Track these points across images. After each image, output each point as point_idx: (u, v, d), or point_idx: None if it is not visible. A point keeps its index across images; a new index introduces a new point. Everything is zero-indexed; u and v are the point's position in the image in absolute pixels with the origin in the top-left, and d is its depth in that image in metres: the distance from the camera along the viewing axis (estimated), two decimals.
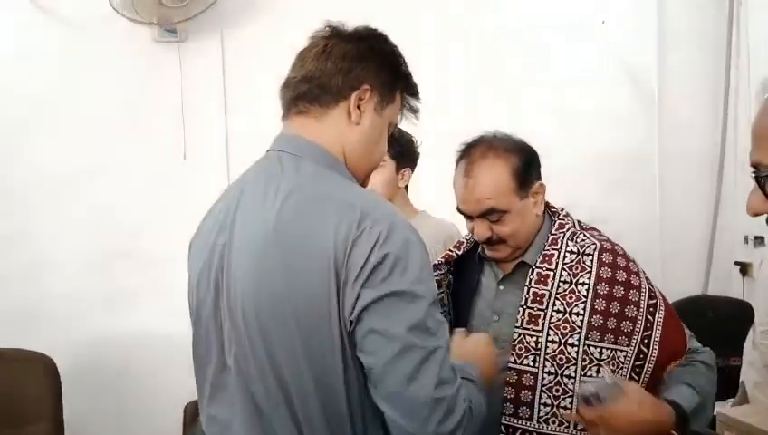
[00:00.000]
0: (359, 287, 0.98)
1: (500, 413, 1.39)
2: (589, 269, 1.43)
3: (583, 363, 1.38)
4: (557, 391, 1.37)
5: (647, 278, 1.49)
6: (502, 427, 1.39)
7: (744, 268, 3.32)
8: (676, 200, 3.35)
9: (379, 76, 1.13)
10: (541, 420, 1.37)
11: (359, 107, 1.12)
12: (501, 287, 1.51)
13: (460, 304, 1.56)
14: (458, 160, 1.48)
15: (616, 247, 1.49)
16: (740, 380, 2.50)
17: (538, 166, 1.50)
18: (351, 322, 0.99)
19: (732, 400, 2.56)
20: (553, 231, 1.48)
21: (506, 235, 1.44)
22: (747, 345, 2.48)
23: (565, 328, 1.39)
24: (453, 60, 3.01)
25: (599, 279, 1.42)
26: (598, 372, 1.37)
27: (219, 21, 2.76)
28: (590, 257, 1.44)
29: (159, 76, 2.75)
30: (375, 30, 1.19)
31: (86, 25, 2.67)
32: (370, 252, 0.98)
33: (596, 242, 1.47)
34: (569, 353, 1.38)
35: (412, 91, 1.21)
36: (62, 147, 2.66)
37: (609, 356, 1.38)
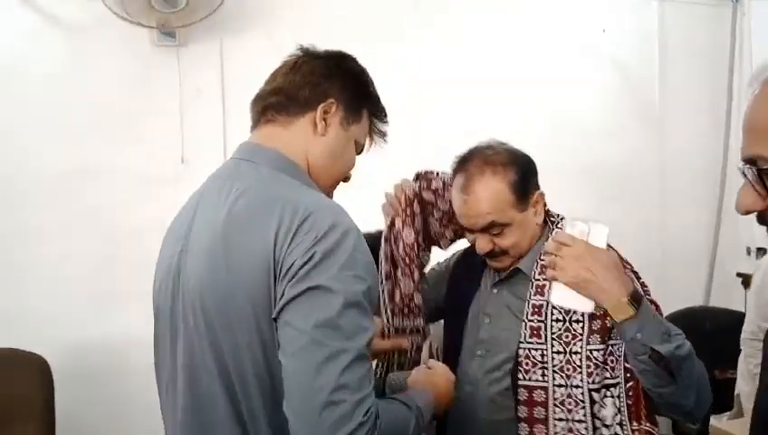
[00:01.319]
0: (284, 285, 0.99)
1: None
2: None
3: (588, 370, 1.36)
4: (569, 404, 1.36)
5: (641, 283, 1.47)
6: None
7: (747, 280, 3.27)
8: (678, 212, 3.33)
9: (344, 92, 1.19)
10: None
11: (324, 120, 1.16)
12: (494, 291, 1.52)
13: (461, 302, 1.57)
14: (454, 174, 1.49)
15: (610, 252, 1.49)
16: (735, 392, 2.48)
17: (535, 175, 1.50)
18: (275, 319, 1.00)
19: (728, 413, 2.53)
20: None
21: (508, 247, 1.46)
22: (741, 358, 2.46)
23: (567, 337, 1.38)
24: (448, 68, 3.01)
25: None
26: (601, 375, 1.35)
27: (219, 27, 2.78)
28: None
29: (158, 80, 2.77)
30: (345, 52, 1.25)
31: (84, 28, 2.69)
32: (302, 252, 0.99)
33: None
34: (574, 362, 1.36)
35: (379, 113, 1.26)
36: (60, 149, 2.68)
37: (607, 354, 1.36)
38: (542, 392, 1.37)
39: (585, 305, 1.29)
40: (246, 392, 1.03)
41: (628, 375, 1.34)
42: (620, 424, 1.34)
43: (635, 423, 1.34)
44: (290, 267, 0.99)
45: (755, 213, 0.85)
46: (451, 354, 1.54)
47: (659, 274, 3.25)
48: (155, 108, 2.77)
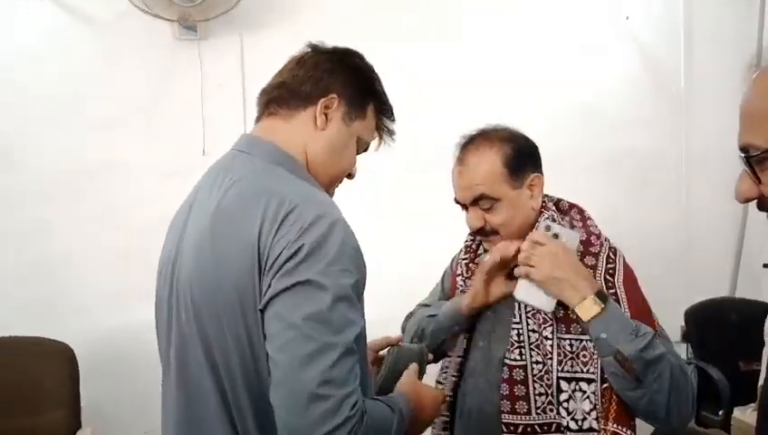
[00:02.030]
0: (270, 278, 0.99)
1: (499, 412, 1.39)
2: None
3: (558, 357, 1.37)
4: (548, 379, 1.36)
5: (609, 247, 1.47)
6: (503, 426, 1.39)
7: None
8: (704, 201, 3.27)
9: (347, 88, 1.19)
10: (539, 410, 1.37)
11: (325, 114, 1.16)
12: None
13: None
14: (456, 151, 1.50)
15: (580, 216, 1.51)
16: (759, 384, 2.44)
17: (535, 158, 1.50)
18: (261, 311, 1.00)
19: (753, 405, 2.49)
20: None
21: (498, 224, 1.44)
22: (765, 350, 2.42)
23: (538, 318, 1.39)
24: (469, 59, 3.00)
25: None
26: (572, 366, 1.36)
27: (239, 20, 2.81)
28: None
29: (180, 73, 2.81)
30: (352, 49, 1.25)
31: (106, 22, 2.74)
32: (287, 244, 0.99)
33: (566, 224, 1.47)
34: (545, 347, 1.37)
35: (385, 111, 1.25)
36: (82, 142, 2.74)
37: (579, 348, 1.36)
38: (521, 371, 1.38)
39: (547, 305, 1.35)
40: (233, 385, 1.04)
41: (605, 376, 1.34)
42: (597, 419, 1.35)
43: (602, 422, 1.34)
44: (276, 259, 0.99)
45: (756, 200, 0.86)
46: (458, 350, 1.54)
47: (685, 264, 3.22)
48: (176, 101, 2.81)
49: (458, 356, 1.52)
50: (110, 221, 2.76)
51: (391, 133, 1.27)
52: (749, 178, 0.86)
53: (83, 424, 2.45)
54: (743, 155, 0.85)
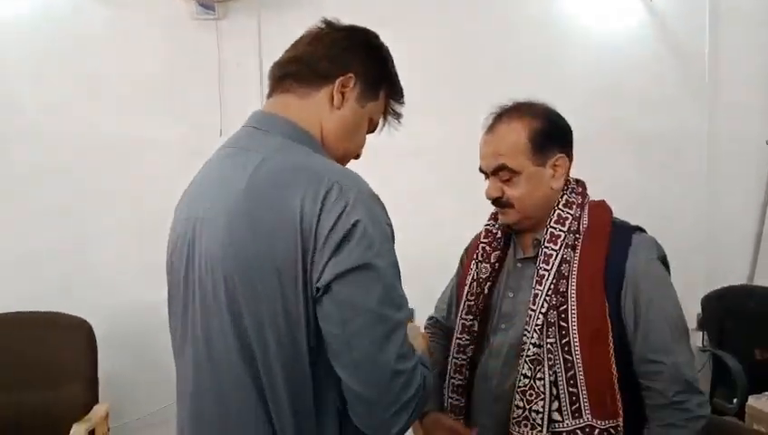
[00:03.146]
0: (327, 256, 0.99)
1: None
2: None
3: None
4: (531, 395, 1.36)
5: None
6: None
7: None
8: (726, 185, 3.21)
9: (364, 68, 1.17)
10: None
11: (342, 93, 1.15)
12: (519, 265, 1.51)
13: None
14: (488, 119, 1.50)
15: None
16: None
17: (564, 140, 1.48)
18: (318, 289, 1.01)
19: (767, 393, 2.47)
20: (560, 206, 1.45)
21: (514, 198, 1.43)
22: None
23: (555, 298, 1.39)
24: (491, 40, 2.97)
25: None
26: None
27: (258, 1, 2.80)
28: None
29: (198, 53, 2.81)
30: (368, 28, 1.23)
31: (127, 2, 2.74)
32: (337, 220, 0.99)
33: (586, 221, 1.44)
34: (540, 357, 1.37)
35: (396, 93, 1.24)
36: (99, 121, 2.77)
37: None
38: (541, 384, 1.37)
39: None
40: (267, 362, 1.03)
41: (569, 365, 1.34)
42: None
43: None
44: (327, 238, 0.99)
45: None
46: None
47: (704, 250, 3.17)
48: (194, 81, 2.83)
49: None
50: (127, 199, 2.80)
51: (399, 116, 1.25)
52: None
53: (100, 399, 2.50)
54: None
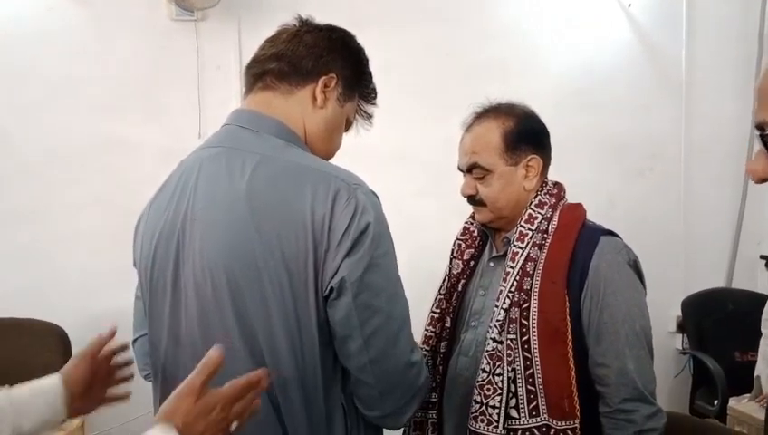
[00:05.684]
0: (341, 256, 1.00)
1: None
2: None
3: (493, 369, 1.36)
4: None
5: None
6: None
7: None
8: (702, 190, 3.26)
9: (345, 68, 1.17)
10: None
11: (324, 93, 1.14)
12: (491, 264, 1.51)
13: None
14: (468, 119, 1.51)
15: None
16: (754, 375, 2.44)
17: (538, 140, 1.47)
18: (332, 288, 1.01)
19: (748, 395, 2.49)
20: (532, 206, 1.44)
21: (486, 196, 1.44)
22: (762, 341, 2.42)
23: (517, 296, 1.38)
24: (468, 44, 2.98)
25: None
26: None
27: (237, 2, 2.78)
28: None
29: (177, 55, 2.78)
30: (345, 29, 1.22)
31: (103, 1, 2.71)
32: (351, 222, 1.01)
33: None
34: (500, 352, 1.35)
35: (369, 94, 1.24)
36: (76, 124, 2.72)
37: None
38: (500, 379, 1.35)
39: None
40: (277, 365, 1.02)
41: (528, 363, 1.32)
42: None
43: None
44: (341, 238, 1.00)
45: None
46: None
47: (682, 254, 3.21)
48: (173, 83, 2.79)
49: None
50: (104, 203, 2.74)
51: (369, 117, 1.25)
52: (764, 158, 0.81)
53: None
54: (758, 133, 0.80)
